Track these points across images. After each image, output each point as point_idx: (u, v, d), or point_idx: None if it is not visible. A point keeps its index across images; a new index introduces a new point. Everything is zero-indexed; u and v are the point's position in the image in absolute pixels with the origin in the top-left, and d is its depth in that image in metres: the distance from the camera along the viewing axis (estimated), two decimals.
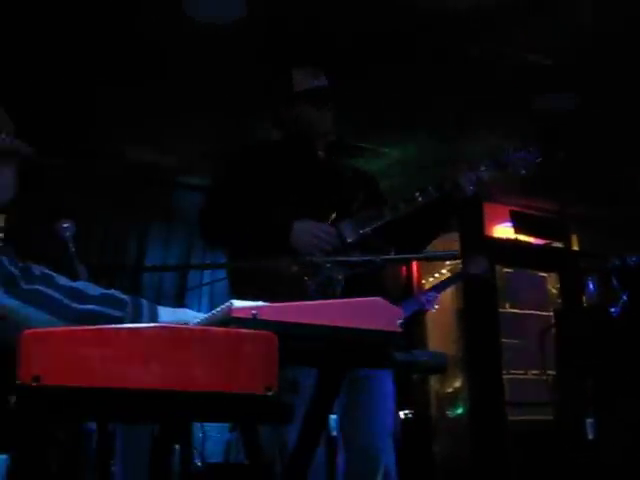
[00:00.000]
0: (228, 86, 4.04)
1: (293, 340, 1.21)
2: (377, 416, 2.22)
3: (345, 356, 1.31)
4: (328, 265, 2.18)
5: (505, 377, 5.67)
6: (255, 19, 3.43)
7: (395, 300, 1.57)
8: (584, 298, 5.57)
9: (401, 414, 4.86)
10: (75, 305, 1.39)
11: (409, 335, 1.35)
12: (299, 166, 2.38)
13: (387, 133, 4.75)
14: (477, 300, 5.70)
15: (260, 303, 1.21)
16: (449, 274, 5.33)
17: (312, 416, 1.39)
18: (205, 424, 3.75)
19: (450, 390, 6.12)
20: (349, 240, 2.25)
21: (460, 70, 3.91)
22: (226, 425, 4.06)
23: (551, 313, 5.88)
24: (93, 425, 2.85)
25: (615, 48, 3.69)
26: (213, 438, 4.00)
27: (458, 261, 4.12)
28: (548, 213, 6.13)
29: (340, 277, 2.20)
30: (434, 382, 6.16)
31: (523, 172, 2.40)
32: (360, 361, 1.41)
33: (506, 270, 6.07)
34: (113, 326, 1.13)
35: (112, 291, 1.47)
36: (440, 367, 1.49)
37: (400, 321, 1.29)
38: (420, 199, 2.30)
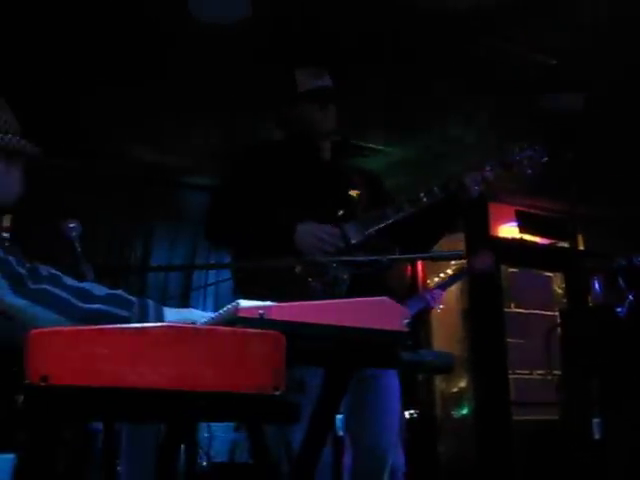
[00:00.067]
0: (233, 86, 4.04)
1: (300, 340, 1.21)
2: (383, 415, 2.22)
3: (352, 356, 1.31)
4: (334, 265, 2.18)
5: (510, 377, 5.67)
6: (260, 19, 3.43)
7: (400, 299, 1.57)
8: (590, 298, 5.56)
9: (406, 414, 4.85)
10: (82, 305, 1.40)
11: (415, 335, 1.35)
12: (303, 166, 2.37)
13: (388, 132, 4.75)
14: (482, 300, 5.70)
15: (267, 303, 1.21)
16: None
17: (319, 416, 1.39)
18: (211, 424, 3.75)
19: (455, 390, 6.11)
20: (353, 241, 2.25)
21: (462, 69, 3.91)
22: (231, 425, 4.06)
23: (556, 313, 5.88)
24: (98, 425, 2.86)
25: (617, 47, 3.69)
26: (219, 438, 4.00)
27: (463, 261, 4.11)
28: (553, 213, 6.12)
29: (346, 277, 2.20)
30: (439, 382, 6.16)
31: (529, 172, 2.38)
32: (367, 361, 1.41)
33: (511, 270, 6.06)
34: (120, 326, 1.13)
35: (118, 291, 1.48)
36: (447, 367, 1.49)
37: (407, 321, 1.29)
38: (425, 199, 2.29)
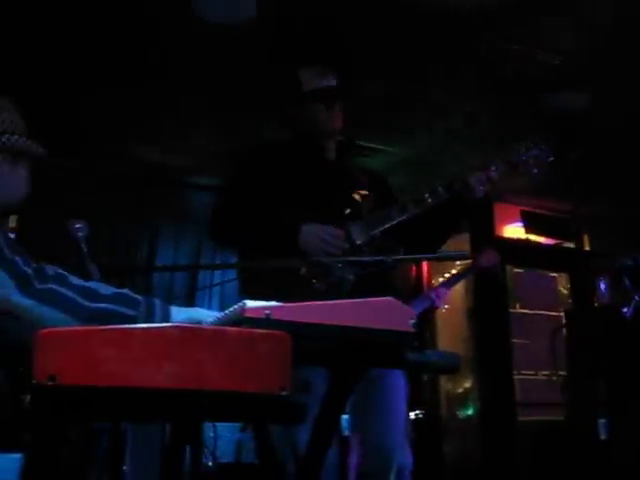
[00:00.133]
0: (238, 86, 4.05)
1: (306, 340, 1.21)
2: (389, 415, 2.22)
3: (358, 356, 1.31)
4: (339, 265, 2.18)
5: (515, 377, 5.66)
6: (264, 19, 3.43)
7: (405, 300, 1.57)
8: (595, 298, 5.55)
9: (411, 414, 4.85)
10: (88, 304, 1.40)
11: (421, 335, 1.35)
12: (308, 166, 2.37)
13: (388, 132, 4.75)
14: (487, 300, 5.69)
15: (273, 303, 1.21)
16: None
17: (324, 417, 1.39)
18: (216, 424, 3.75)
19: (460, 390, 6.10)
20: (358, 242, 2.25)
21: (463, 69, 3.91)
22: (237, 425, 4.06)
23: (561, 313, 5.86)
24: (102, 425, 2.86)
25: (621, 46, 3.68)
26: (224, 438, 4.00)
27: (469, 261, 4.10)
28: (559, 213, 6.11)
29: (351, 277, 2.19)
30: (444, 382, 6.15)
31: (535, 171, 2.36)
32: (373, 361, 1.41)
33: (517, 270, 6.06)
34: (128, 326, 1.13)
35: (125, 290, 1.48)
36: (453, 367, 1.48)
37: (413, 321, 1.29)
38: (429, 200, 2.28)
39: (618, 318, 3.91)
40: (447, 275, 4.30)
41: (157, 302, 1.49)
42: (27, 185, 1.73)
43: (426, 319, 4.37)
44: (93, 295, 1.42)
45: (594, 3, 3.35)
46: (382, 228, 2.26)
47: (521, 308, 6.02)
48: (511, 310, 5.87)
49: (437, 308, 3.92)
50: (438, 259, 4.53)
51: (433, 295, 3.83)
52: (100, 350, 1.04)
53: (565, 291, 6.35)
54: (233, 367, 1.12)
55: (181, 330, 1.12)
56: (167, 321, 1.45)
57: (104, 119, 4.44)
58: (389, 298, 1.28)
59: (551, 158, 2.37)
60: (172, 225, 5.42)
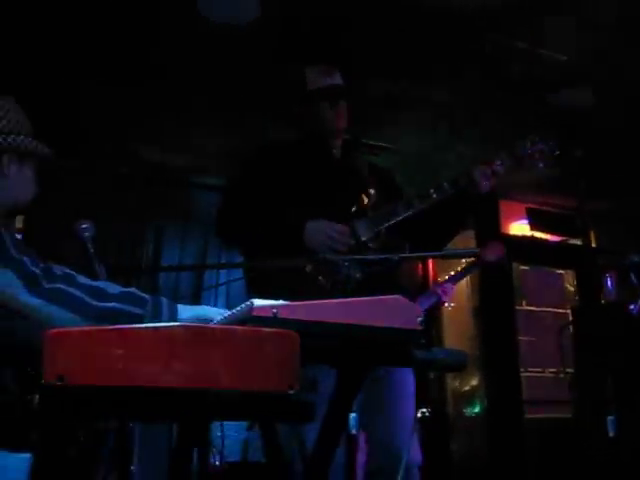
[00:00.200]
0: (243, 86, 4.04)
1: (313, 339, 1.21)
2: (397, 412, 2.21)
3: (365, 354, 1.31)
4: (345, 263, 2.17)
5: (522, 375, 5.64)
6: (269, 19, 3.43)
7: (411, 297, 1.57)
8: (602, 295, 5.53)
9: (418, 412, 4.84)
10: (96, 303, 1.41)
11: (428, 332, 1.35)
12: (314, 165, 2.37)
13: (391, 131, 4.74)
14: (493, 297, 5.68)
15: (280, 302, 1.21)
16: None
17: (332, 416, 1.38)
18: (224, 423, 3.75)
19: (467, 388, 6.09)
20: (364, 239, 2.25)
21: (468, 68, 3.90)
22: (244, 424, 4.06)
23: (568, 311, 5.85)
24: (109, 425, 2.86)
25: (625, 44, 3.66)
26: (231, 437, 4.01)
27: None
28: (565, 210, 6.09)
29: (357, 275, 2.19)
30: (451, 380, 6.14)
31: (541, 165, 2.35)
32: (380, 359, 1.41)
33: (523, 267, 6.04)
34: (136, 325, 1.13)
35: (132, 289, 1.49)
36: (460, 365, 1.48)
37: (420, 319, 1.29)
38: (435, 195, 2.27)
39: (625, 315, 3.90)
40: (452, 273, 4.29)
41: (164, 300, 1.50)
42: (34, 185, 1.73)
43: (432, 315, 4.36)
44: (101, 294, 1.42)
45: (598, 3, 3.34)
46: (387, 224, 2.26)
47: (527, 305, 6.01)
48: (517, 307, 5.86)
49: (443, 304, 3.92)
50: (445, 257, 4.52)
51: (439, 291, 3.83)
52: (109, 350, 1.04)
53: (572, 288, 6.33)
54: (241, 366, 1.12)
55: (189, 330, 1.12)
56: (174, 319, 1.45)
57: (109, 120, 4.44)
58: (396, 296, 1.28)
59: (557, 152, 2.36)
60: (178, 225, 5.43)
